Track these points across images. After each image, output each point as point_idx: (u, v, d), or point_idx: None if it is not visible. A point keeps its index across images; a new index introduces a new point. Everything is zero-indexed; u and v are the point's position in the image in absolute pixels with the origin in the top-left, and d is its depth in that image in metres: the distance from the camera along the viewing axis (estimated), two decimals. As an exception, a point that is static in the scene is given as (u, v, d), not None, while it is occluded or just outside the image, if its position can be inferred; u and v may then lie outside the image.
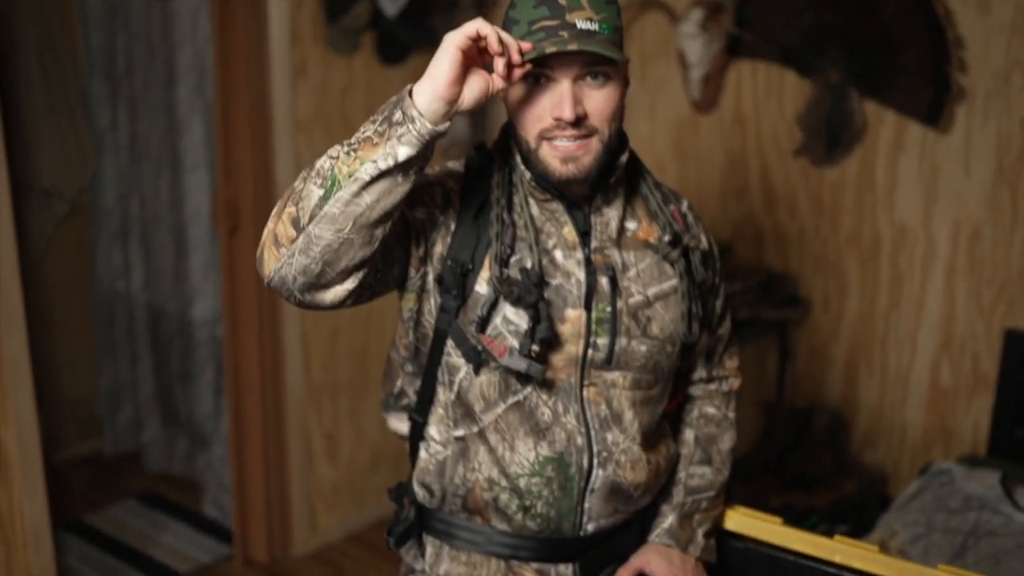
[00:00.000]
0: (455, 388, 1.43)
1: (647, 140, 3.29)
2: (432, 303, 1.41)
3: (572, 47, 1.26)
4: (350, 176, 1.20)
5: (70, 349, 3.88)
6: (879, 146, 2.80)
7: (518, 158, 1.40)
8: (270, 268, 1.26)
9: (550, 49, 1.26)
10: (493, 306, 1.36)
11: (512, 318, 1.36)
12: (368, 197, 1.20)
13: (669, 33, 3.14)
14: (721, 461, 1.63)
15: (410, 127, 1.19)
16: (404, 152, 1.20)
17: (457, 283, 1.37)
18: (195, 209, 3.50)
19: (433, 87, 1.20)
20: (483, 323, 1.37)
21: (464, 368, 1.41)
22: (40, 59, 3.56)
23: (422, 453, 1.50)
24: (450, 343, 1.41)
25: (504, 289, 1.34)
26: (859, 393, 2.97)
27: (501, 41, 1.22)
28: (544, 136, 1.33)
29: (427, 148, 1.22)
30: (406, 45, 3.19)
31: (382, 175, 1.20)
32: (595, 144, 1.34)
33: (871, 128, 2.80)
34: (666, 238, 1.45)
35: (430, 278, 1.40)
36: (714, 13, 3.00)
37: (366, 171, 1.20)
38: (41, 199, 3.68)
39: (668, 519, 1.57)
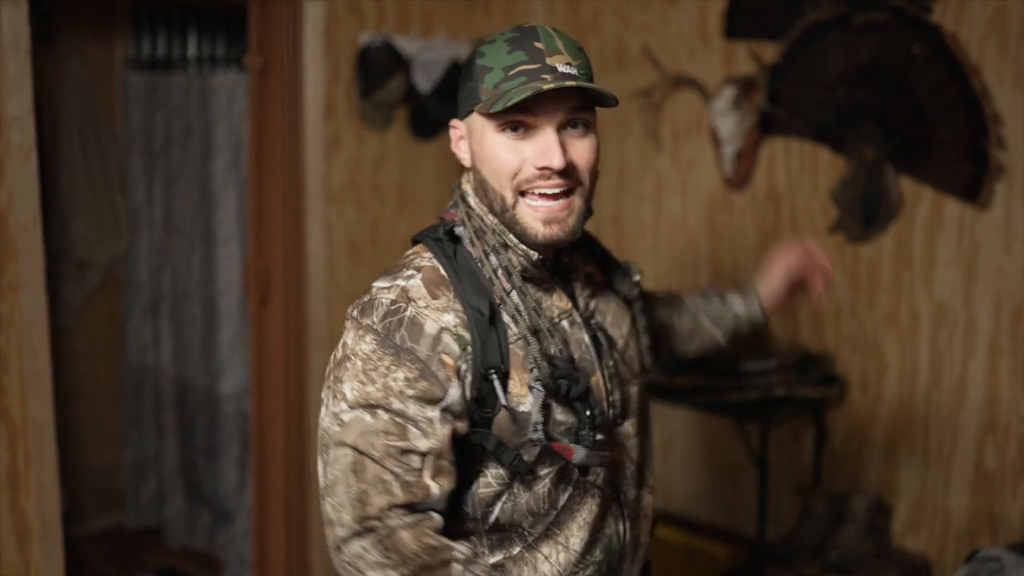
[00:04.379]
0: (492, 519, 1.28)
1: (679, 217, 3.28)
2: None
3: (571, 83, 1.18)
4: None
5: (95, 421, 3.86)
6: (916, 223, 2.76)
7: (509, 241, 1.28)
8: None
9: (548, 86, 1.17)
10: (548, 408, 1.25)
11: (560, 417, 1.26)
12: None
13: (701, 110, 3.15)
14: None
15: None
16: None
17: (494, 390, 1.22)
18: (226, 282, 3.52)
19: None
20: (544, 428, 1.24)
21: (505, 494, 1.27)
22: (81, 133, 3.64)
23: None
24: (486, 474, 1.26)
25: (553, 387, 1.23)
26: (899, 476, 2.87)
27: None
28: (522, 190, 1.23)
29: None
30: (439, 121, 3.22)
31: None
32: (578, 202, 1.26)
33: (908, 204, 2.77)
34: (635, 278, 1.43)
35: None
36: (746, 90, 3.01)
37: None
38: (74, 269, 3.72)
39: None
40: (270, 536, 3.06)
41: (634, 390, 1.39)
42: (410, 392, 1.20)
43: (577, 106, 1.23)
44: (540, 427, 1.23)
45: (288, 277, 2.96)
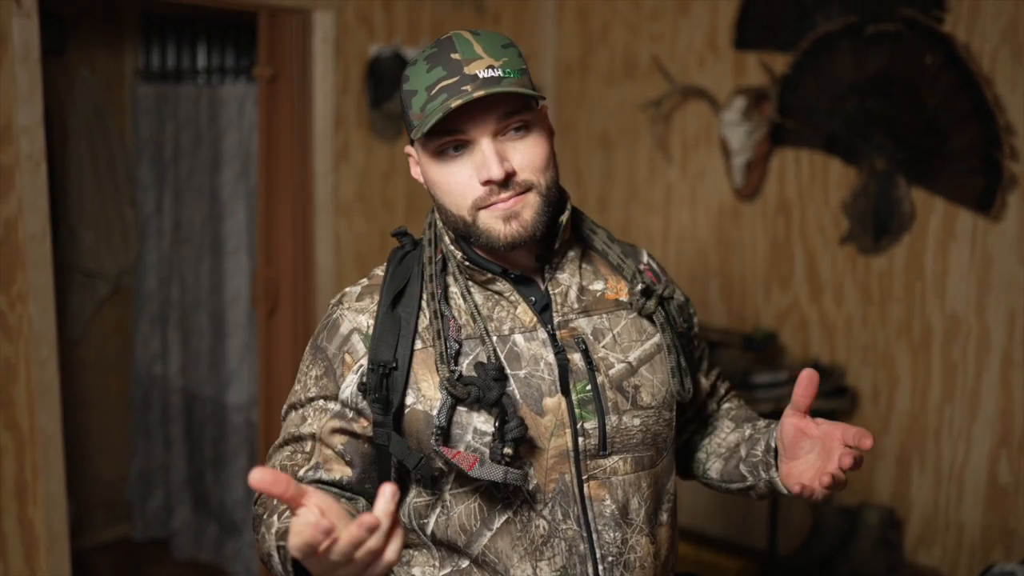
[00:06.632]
0: (428, 531, 1.25)
1: (689, 228, 3.26)
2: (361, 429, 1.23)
3: (479, 93, 1.13)
4: None
5: (103, 431, 3.86)
6: (928, 234, 2.74)
7: (447, 240, 1.27)
8: None
9: (455, 103, 1.13)
10: (452, 411, 1.19)
11: (484, 427, 1.19)
12: None
13: (711, 121, 3.14)
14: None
15: None
16: None
17: (379, 385, 1.20)
18: (234, 292, 3.51)
19: None
20: (444, 434, 1.18)
21: (439, 506, 1.23)
22: (90, 143, 3.64)
23: None
24: (416, 484, 1.25)
25: (459, 391, 1.17)
26: (912, 490, 2.85)
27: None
28: (479, 206, 1.20)
29: None
30: (448, 131, 3.22)
31: None
32: (533, 198, 1.20)
33: (920, 216, 2.75)
34: (638, 287, 1.30)
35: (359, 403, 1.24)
36: (757, 101, 3.00)
37: None
38: (83, 279, 3.72)
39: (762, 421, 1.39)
40: (277, 548, 3.05)
41: (635, 422, 1.26)
42: (314, 389, 1.27)
43: (508, 110, 1.18)
44: (438, 431, 1.18)
45: (297, 288, 2.96)
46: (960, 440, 2.74)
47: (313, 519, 0.90)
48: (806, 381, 1.22)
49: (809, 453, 1.23)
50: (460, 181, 1.20)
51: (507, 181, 1.18)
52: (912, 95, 2.70)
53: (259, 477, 0.88)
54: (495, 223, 1.20)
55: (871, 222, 2.83)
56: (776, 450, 1.30)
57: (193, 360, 3.71)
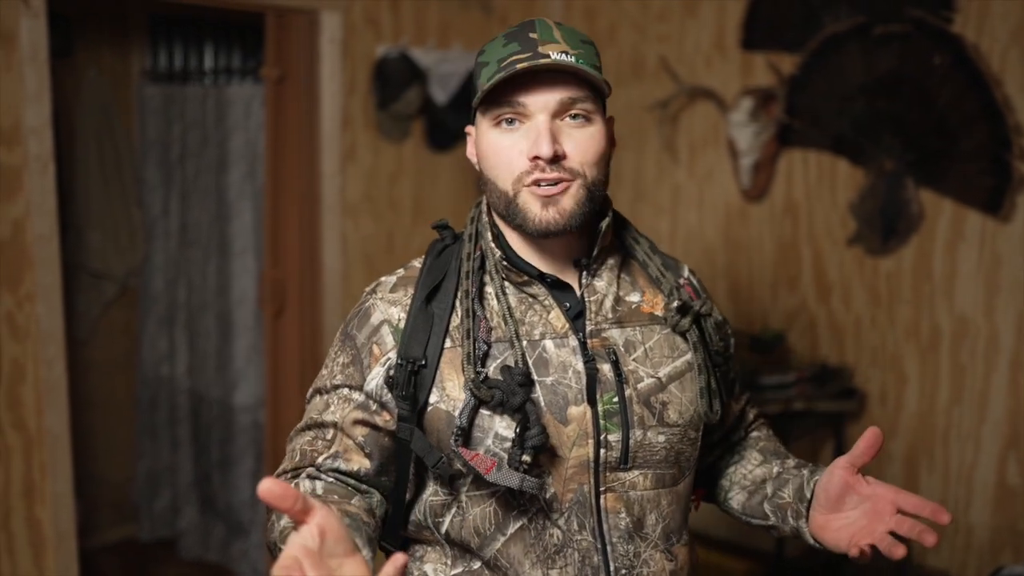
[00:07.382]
0: (442, 530, 1.25)
1: (696, 229, 3.26)
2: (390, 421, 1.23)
3: (544, 62, 1.14)
4: None
5: (110, 432, 3.86)
6: (937, 235, 2.73)
7: (488, 236, 1.26)
8: None
9: (520, 66, 1.14)
10: (474, 413, 1.18)
11: (505, 432, 1.18)
12: None
13: (719, 122, 3.13)
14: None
15: None
16: None
17: (407, 382, 1.20)
18: (241, 293, 3.51)
19: None
20: (464, 435, 1.17)
21: (454, 506, 1.23)
22: (98, 144, 3.65)
23: None
24: (433, 482, 1.24)
25: (484, 393, 1.16)
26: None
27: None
28: (523, 183, 1.19)
29: None
30: (455, 132, 3.22)
31: None
32: (577, 188, 1.19)
33: (928, 217, 2.74)
34: (674, 304, 1.27)
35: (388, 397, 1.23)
36: (764, 102, 2.99)
37: None
38: (90, 280, 3.72)
39: (808, 467, 1.33)
40: (284, 549, 3.05)
41: (659, 439, 1.24)
42: (340, 376, 1.26)
43: (573, 97, 1.18)
44: (459, 432, 1.17)
45: (303, 289, 2.96)
46: (968, 442, 2.73)
47: (309, 541, 0.87)
48: (872, 439, 1.19)
49: (853, 509, 1.20)
50: (510, 154, 1.19)
51: (554, 160, 1.17)
52: (921, 96, 2.69)
53: (267, 489, 0.85)
54: (533, 205, 1.19)
55: (879, 223, 2.82)
56: (809, 499, 1.27)
57: (200, 361, 3.71)
